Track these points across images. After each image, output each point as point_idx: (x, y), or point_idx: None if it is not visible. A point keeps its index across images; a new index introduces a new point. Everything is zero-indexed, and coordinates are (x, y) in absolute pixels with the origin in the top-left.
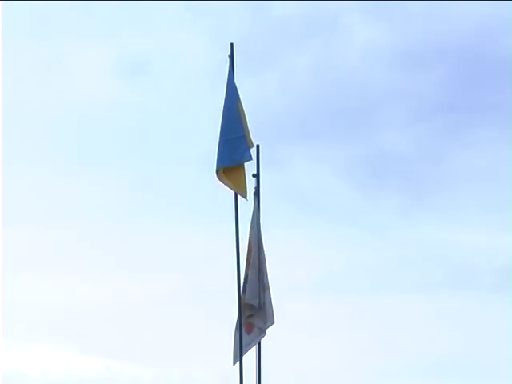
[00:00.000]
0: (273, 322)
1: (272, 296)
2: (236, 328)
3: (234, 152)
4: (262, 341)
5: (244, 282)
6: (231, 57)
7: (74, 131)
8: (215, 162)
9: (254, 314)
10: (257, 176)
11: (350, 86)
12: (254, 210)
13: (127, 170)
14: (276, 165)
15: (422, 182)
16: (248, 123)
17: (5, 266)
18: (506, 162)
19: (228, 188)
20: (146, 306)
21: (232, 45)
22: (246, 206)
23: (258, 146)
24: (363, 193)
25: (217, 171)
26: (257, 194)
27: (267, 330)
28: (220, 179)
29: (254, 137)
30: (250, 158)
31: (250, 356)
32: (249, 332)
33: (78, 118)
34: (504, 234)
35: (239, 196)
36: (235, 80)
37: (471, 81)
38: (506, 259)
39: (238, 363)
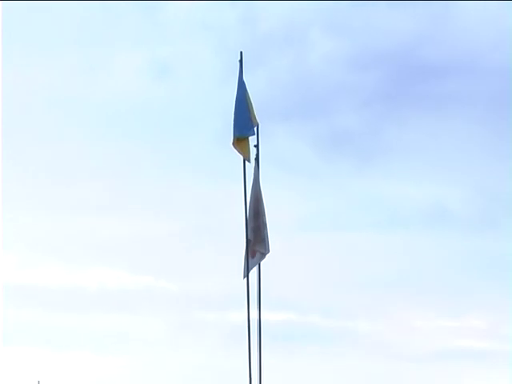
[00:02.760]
0: (268, 251)
1: (268, 232)
2: (245, 253)
3: (243, 128)
4: (262, 264)
5: (248, 223)
6: (241, 61)
7: (115, 117)
8: (231, 134)
9: (256, 243)
10: (257, 146)
11: (316, 81)
12: (254, 170)
13: (157, 143)
14: (265, 138)
15: (368, 149)
16: (255, 111)
17: (78, 208)
18: (426, 135)
19: (238, 153)
20: (177, 238)
21: (241, 53)
22: (247, 168)
23: (257, 125)
24: (326, 158)
25: (234, 141)
26: (257, 159)
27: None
28: (234, 146)
29: None
30: (254, 133)
31: (252, 276)
32: (253, 256)
33: (118, 107)
34: (428, 187)
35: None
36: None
37: (401, 78)
38: (430, 204)
39: (245, 279)
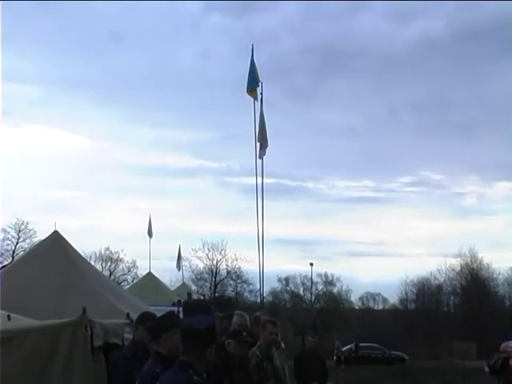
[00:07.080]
0: (267, 144)
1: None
2: (255, 147)
3: (252, 84)
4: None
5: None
6: (252, 50)
7: (178, 81)
8: (245, 86)
9: (262, 140)
10: (261, 93)
11: (284, 61)
12: (261, 109)
13: (200, 93)
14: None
15: (312, 96)
16: (259, 75)
17: (160, 122)
18: (344, 87)
19: (249, 96)
20: (215, 140)
21: (253, 45)
22: (251, 105)
23: (261, 83)
24: (290, 100)
25: (247, 90)
26: (261, 100)
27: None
28: (248, 93)
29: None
30: (258, 86)
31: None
32: (261, 147)
33: (180, 76)
34: (345, 115)
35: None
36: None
37: (329, 58)
38: (346, 125)
39: (254, 164)
